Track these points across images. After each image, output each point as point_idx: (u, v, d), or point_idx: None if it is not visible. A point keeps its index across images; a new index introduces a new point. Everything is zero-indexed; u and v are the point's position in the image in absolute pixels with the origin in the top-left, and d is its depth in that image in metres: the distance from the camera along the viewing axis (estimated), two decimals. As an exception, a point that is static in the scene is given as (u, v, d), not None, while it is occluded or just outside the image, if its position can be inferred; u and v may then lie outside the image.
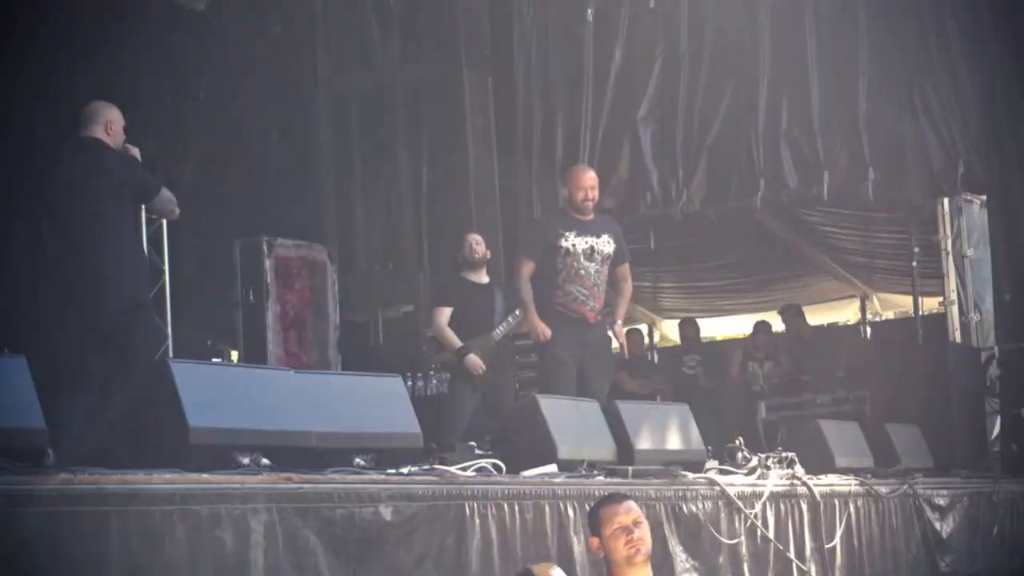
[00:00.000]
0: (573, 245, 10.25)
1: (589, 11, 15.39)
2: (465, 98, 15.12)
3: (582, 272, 10.27)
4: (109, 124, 8.35)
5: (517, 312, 11.12)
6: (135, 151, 8.51)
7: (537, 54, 15.60)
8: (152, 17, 14.75)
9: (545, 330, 10.23)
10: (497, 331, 11.09)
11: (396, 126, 15.82)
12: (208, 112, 15.78)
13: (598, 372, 10.33)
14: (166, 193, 8.65)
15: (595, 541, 5.83)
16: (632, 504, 5.86)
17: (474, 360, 10.83)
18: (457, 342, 10.86)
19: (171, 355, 13.80)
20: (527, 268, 10.43)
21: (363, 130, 15.96)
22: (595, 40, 15.31)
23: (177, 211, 8.92)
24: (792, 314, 16.21)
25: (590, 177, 10.54)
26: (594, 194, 10.45)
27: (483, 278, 11.31)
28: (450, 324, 10.95)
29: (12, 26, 12.85)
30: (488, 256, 11.42)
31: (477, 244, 11.27)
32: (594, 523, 5.85)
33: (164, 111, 15.06)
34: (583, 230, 10.31)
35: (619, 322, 10.70)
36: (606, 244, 10.36)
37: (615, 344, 10.92)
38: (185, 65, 15.02)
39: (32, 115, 12.38)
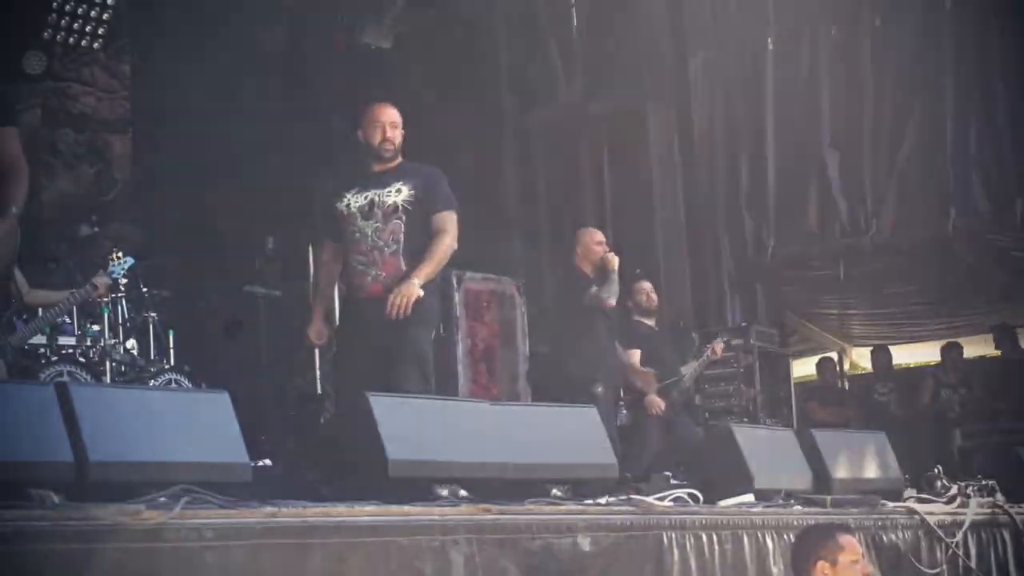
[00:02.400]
0: (348, 205, 7.90)
1: (769, 40, 15.34)
2: (649, 129, 15.12)
3: (357, 235, 7.85)
4: None
5: (704, 358, 11.31)
6: None
7: (718, 83, 15.58)
8: (338, 56, 15.00)
9: (319, 332, 8.07)
10: (687, 372, 11.22)
11: (580, 159, 15.85)
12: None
13: (394, 362, 7.63)
14: None
15: (824, 566, 5.68)
16: None
17: (653, 400, 10.91)
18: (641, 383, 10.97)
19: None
20: (324, 253, 8.24)
21: (548, 163, 16.04)
22: (776, 68, 15.24)
23: None
24: (1003, 333, 15.75)
25: (390, 112, 8.03)
26: (394, 134, 7.96)
27: (654, 324, 11.44)
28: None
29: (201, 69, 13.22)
30: (656, 305, 11.53)
31: (651, 293, 11.41)
32: (825, 549, 5.70)
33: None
34: (369, 184, 7.94)
35: (415, 280, 7.62)
36: (393, 194, 7.85)
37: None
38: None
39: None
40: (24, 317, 9.62)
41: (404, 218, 7.81)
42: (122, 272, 9.69)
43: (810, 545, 5.77)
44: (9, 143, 6.39)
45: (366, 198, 7.83)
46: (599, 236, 10.84)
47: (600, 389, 10.12)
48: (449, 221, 7.96)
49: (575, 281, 10.74)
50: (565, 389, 10.09)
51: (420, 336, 7.80)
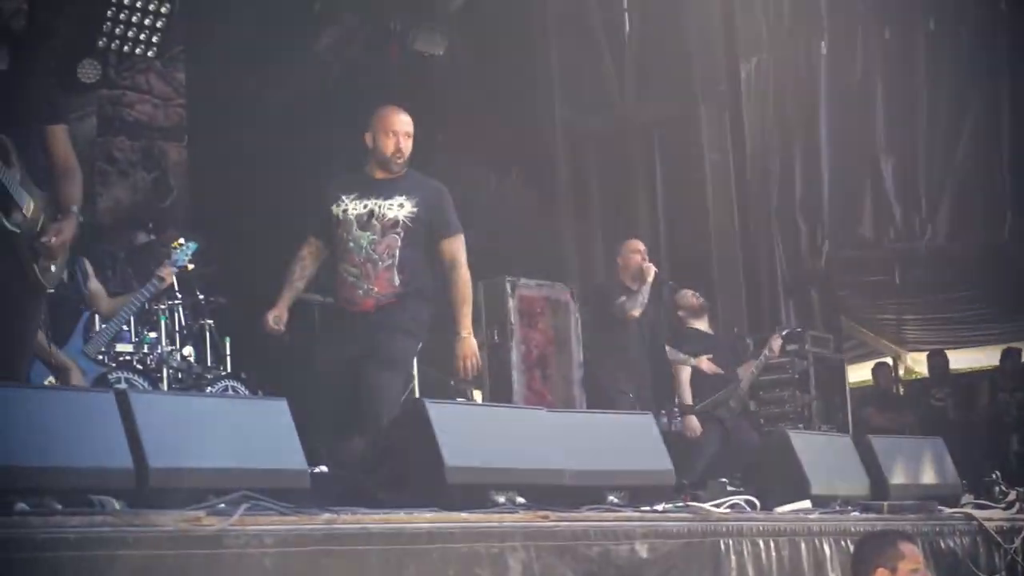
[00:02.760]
0: (345, 211, 7.62)
1: (823, 43, 15.29)
2: (702, 134, 15.09)
3: (350, 245, 7.57)
4: None
5: (762, 358, 11.28)
6: None
7: (772, 88, 15.54)
8: (393, 64, 15.05)
9: (279, 318, 7.76)
10: (743, 381, 11.21)
11: (633, 164, 15.83)
12: (447, 154, 15.99)
13: (379, 367, 7.48)
14: None
15: (884, 574, 5.67)
16: None
17: (691, 422, 10.91)
18: (688, 400, 10.97)
19: (418, 395, 14.09)
20: (306, 247, 7.90)
21: (601, 169, 16.02)
22: (829, 72, 15.20)
23: None
24: None
25: (406, 121, 7.73)
26: (407, 144, 7.67)
27: (708, 328, 11.41)
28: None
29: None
30: (706, 303, 11.51)
31: (692, 294, 11.40)
32: (885, 557, 5.67)
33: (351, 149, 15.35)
34: (370, 191, 7.66)
35: (467, 335, 7.81)
36: (395, 208, 7.60)
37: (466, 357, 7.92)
38: (423, 109, 15.24)
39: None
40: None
41: (402, 234, 7.55)
42: (187, 258, 9.63)
43: (870, 552, 5.76)
44: (62, 141, 6.43)
45: (365, 207, 7.57)
46: (638, 246, 10.94)
47: (631, 396, 10.17)
48: (460, 249, 7.81)
49: (607, 291, 10.99)
50: (598, 398, 10.13)
51: (408, 346, 7.75)
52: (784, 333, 12.00)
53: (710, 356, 11.28)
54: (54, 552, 4.22)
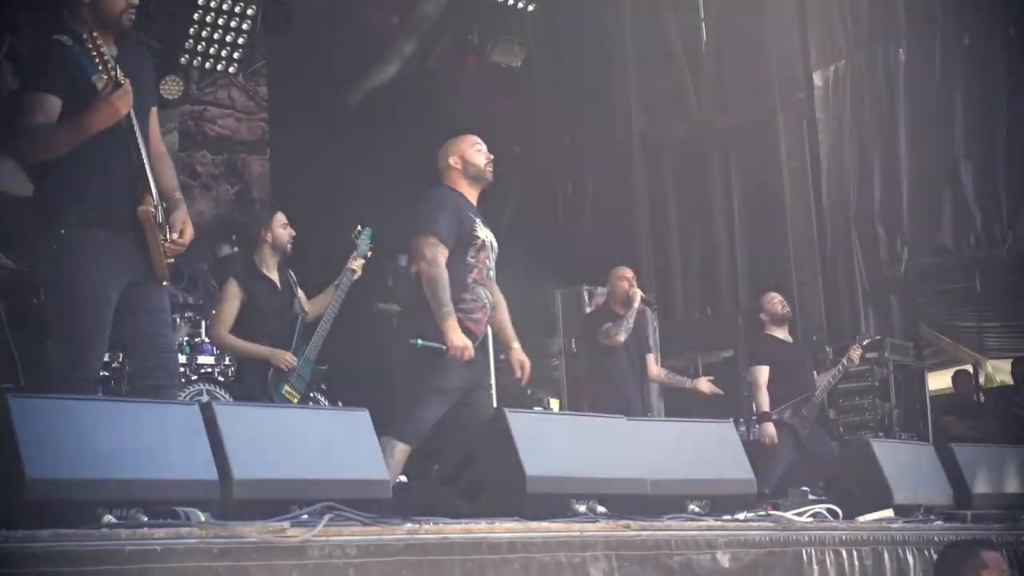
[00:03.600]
0: (486, 237, 7.61)
1: (901, 51, 15.19)
2: (780, 142, 15.03)
3: (488, 272, 7.66)
4: None
5: (840, 367, 11.24)
6: None
7: (849, 94, 15.46)
8: (470, 75, 15.12)
9: (467, 344, 7.25)
10: (819, 390, 11.16)
11: (711, 172, 15.79)
12: (524, 164, 16.05)
13: (483, 389, 7.70)
14: None
15: None
16: None
17: (768, 429, 10.87)
18: (765, 406, 10.93)
19: (495, 404, 14.14)
20: (442, 254, 7.42)
21: (678, 177, 16.01)
22: (907, 78, 15.10)
23: None
24: None
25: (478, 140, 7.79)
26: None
27: (788, 335, 11.36)
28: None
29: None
30: (790, 313, 11.47)
31: (780, 302, 11.35)
32: (968, 567, 5.64)
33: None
34: (479, 215, 7.67)
35: (516, 344, 7.86)
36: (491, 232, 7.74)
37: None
38: (501, 120, 15.31)
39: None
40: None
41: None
42: (368, 245, 9.57)
43: (953, 562, 5.73)
44: (157, 125, 6.49)
45: (490, 235, 7.63)
46: (625, 272, 11.07)
47: None
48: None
49: (596, 319, 11.16)
50: None
51: None
52: (864, 343, 11.91)
53: (711, 379, 11.30)
54: (140, 564, 4.27)
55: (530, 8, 15.24)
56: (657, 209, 16.02)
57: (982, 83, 14.70)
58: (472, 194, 7.66)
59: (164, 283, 6.20)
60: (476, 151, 7.68)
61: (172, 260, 6.18)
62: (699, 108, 15.85)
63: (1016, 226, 14.45)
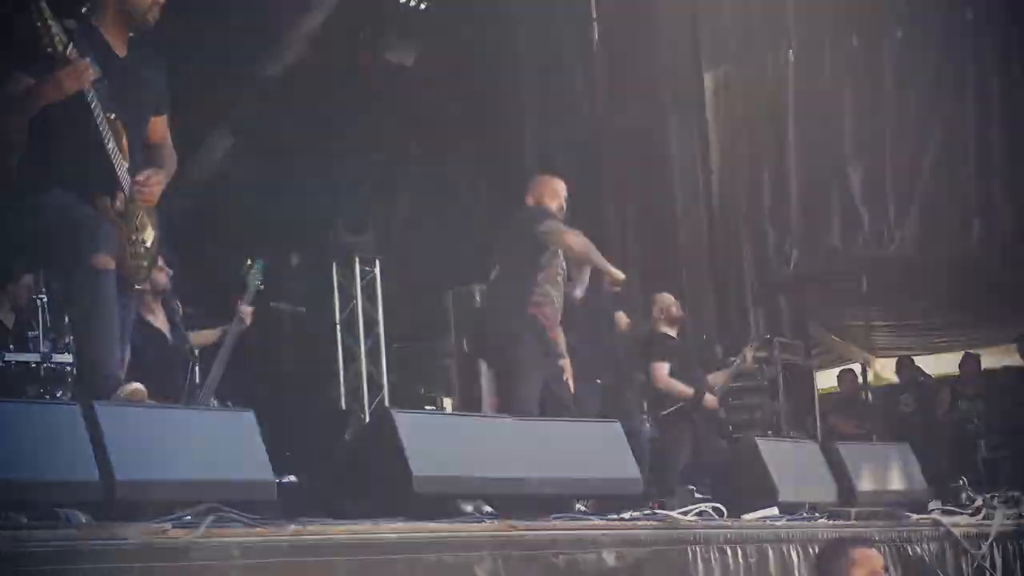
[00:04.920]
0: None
1: (791, 53, 15.35)
2: (671, 144, 15.13)
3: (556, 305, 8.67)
4: None
5: (733, 368, 11.36)
6: None
7: (740, 96, 15.60)
8: (360, 71, 15.05)
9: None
10: (715, 383, 11.24)
11: (603, 174, 15.85)
12: (419, 165, 16.03)
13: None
14: None
15: None
16: None
17: (711, 399, 10.98)
18: (688, 389, 10.97)
19: (387, 403, 14.10)
20: None
21: (570, 177, 16.04)
22: (797, 80, 15.26)
23: None
24: None
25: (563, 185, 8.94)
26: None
27: (675, 332, 11.46)
28: None
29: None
30: (683, 315, 11.56)
31: (674, 303, 11.43)
32: (837, 567, 5.70)
33: (374, 165, 15.35)
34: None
35: None
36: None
37: None
38: (395, 119, 15.27)
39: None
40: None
41: None
42: (259, 280, 9.42)
43: (826, 560, 5.81)
44: (167, 130, 6.42)
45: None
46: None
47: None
48: None
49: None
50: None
51: None
52: (755, 346, 12.04)
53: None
54: (20, 566, 4.21)
55: (423, 7, 15.20)
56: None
57: (870, 86, 14.88)
58: None
59: (136, 287, 6.17)
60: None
61: (146, 263, 6.15)
62: (591, 108, 15.91)
63: (903, 227, 14.64)
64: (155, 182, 6.03)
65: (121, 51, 6.02)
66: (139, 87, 6.04)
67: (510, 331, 8.35)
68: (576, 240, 8.55)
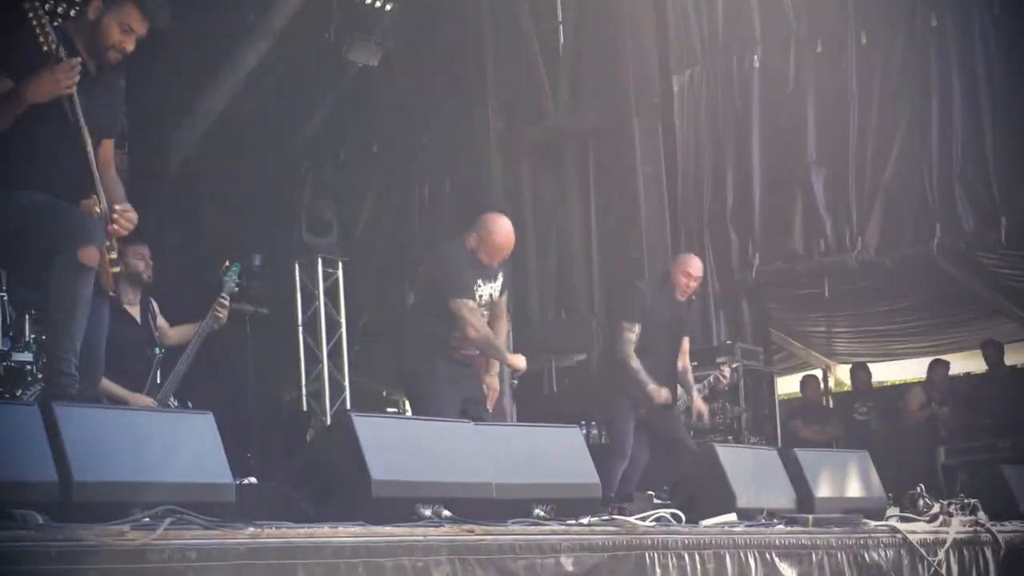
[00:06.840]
0: (480, 296, 9.07)
1: (756, 57, 15.40)
2: (635, 146, 15.15)
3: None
4: None
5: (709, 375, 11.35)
6: None
7: (704, 100, 15.63)
8: (326, 70, 15.04)
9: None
10: (695, 395, 11.24)
11: (567, 175, 15.88)
12: (381, 164, 16.02)
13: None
14: None
15: None
16: None
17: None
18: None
19: (348, 406, 14.08)
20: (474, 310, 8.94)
21: (534, 180, 16.07)
22: (761, 85, 15.31)
23: None
24: (993, 350, 15.78)
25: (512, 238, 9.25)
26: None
27: None
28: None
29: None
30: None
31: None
32: None
33: (339, 163, 15.33)
34: (484, 275, 9.15)
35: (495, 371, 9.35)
36: (497, 289, 9.24)
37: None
38: (359, 119, 15.27)
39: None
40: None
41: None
42: (235, 282, 9.42)
43: None
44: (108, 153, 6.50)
45: (488, 294, 8.92)
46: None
47: None
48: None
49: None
50: None
51: None
52: (724, 360, 12.09)
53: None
54: (-26, 567, 4.20)
55: (388, 7, 15.21)
56: (513, 211, 16.04)
57: (834, 90, 14.95)
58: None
59: (111, 294, 6.20)
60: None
61: (118, 269, 6.16)
62: (556, 111, 15.93)
63: (865, 233, 14.70)
64: (130, 218, 6.12)
65: (92, 68, 6.11)
66: (100, 108, 6.11)
67: (421, 368, 8.74)
68: (476, 334, 8.69)
